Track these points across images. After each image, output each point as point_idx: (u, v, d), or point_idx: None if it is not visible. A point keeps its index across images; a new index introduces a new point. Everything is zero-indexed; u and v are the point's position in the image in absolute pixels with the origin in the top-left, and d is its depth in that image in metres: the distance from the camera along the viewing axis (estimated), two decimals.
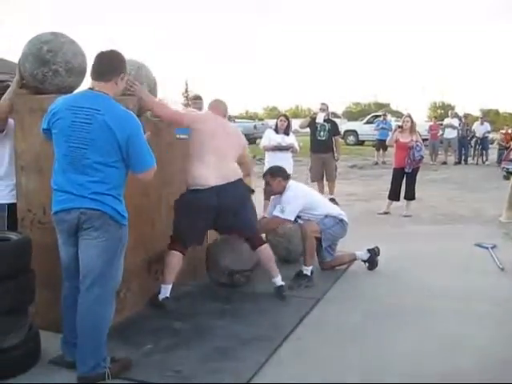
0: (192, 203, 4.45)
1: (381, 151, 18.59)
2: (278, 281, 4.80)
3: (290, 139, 8.46)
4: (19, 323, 3.38)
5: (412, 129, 8.90)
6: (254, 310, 4.50)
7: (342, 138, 24.51)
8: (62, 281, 3.42)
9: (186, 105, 7.40)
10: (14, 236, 3.45)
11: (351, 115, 48.75)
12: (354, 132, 28.54)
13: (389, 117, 20.62)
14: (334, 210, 5.75)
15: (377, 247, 5.82)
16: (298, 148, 8.65)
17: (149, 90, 4.37)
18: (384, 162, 17.96)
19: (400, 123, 9.47)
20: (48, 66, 3.97)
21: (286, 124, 8.47)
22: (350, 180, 10.84)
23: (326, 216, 5.54)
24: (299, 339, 3.95)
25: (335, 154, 10.15)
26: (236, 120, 30.98)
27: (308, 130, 10.38)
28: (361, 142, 27.56)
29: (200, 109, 6.91)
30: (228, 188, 4.46)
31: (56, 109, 3.20)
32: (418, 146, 8.66)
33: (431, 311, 4.50)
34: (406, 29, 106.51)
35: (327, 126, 9.86)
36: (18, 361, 3.33)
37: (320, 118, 9.80)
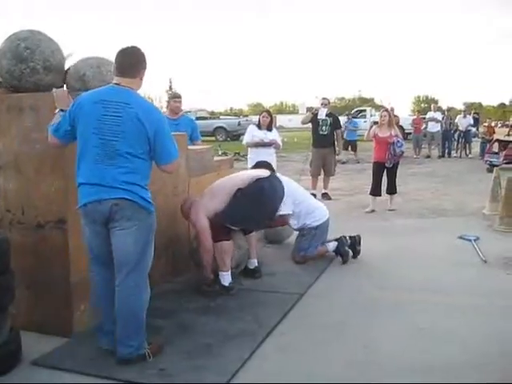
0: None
1: (349, 150, 18.39)
2: (255, 262, 5.34)
3: (273, 135, 8.46)
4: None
5: (390, 123, 8.82)
6: (238, 305, 4.49)
7: None
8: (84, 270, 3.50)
9: (167, 102, 7.48)
10: None
11: (336, 110, 48.76)
12: None
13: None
14: (313, 212, 5.86)
15: (344, 236, 5.84)
16: (280, 144, 8.67)
17: None
18: (358, 161, 17.89)
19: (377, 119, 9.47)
20: (25, 63, 3.93)
21: (268, 120, 8.46)
22: (335, 175, 10.97)
23: (302, 234, 5.83)
24: (283, 334, 3.94)
25: (336, 149, 10.22)
26: (220, 116, 31.00)
27: (296, 125, 10.42)
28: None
29: (179, 107, 7.02)
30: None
31: (81, 103, 3.27)
32: (398, 141, 8.63)
33: (415, 304, 4.51)
34: (390, 24, 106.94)
35: (329, 120, 9.94)
36: None
37: (322, 114, 9.85)
